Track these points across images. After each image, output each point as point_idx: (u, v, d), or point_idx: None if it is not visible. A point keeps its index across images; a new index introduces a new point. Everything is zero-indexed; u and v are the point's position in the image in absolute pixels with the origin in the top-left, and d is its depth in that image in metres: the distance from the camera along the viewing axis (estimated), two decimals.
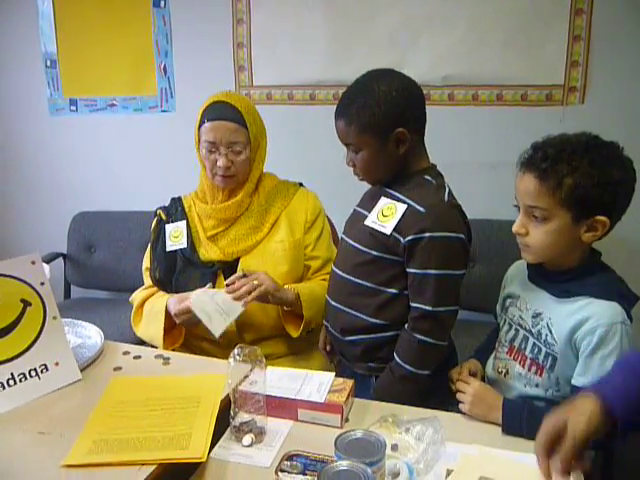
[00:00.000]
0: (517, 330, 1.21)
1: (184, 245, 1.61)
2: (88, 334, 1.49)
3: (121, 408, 1.17)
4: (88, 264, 2.76)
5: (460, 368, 1.29)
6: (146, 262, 1.69)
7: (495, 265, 2.23)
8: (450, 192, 1.31)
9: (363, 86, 1.28)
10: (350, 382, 1.24)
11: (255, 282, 1.49)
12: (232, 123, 1.53)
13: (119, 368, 1.33)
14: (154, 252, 1.66)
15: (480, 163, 2.37)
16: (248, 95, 2.54)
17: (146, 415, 1.14)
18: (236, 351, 1.13)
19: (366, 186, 1.45)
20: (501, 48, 2.26)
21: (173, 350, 1.55)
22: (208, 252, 1.60)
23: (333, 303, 1.43)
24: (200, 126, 1.56)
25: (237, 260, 1.60)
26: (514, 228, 1.14)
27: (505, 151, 2.39)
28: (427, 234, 1.24)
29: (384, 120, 1.26)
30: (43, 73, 2.74)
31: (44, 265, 1.28)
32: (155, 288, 1.66)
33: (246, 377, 1.20)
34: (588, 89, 2.22)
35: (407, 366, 1.29)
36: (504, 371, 1.22)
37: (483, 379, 1.30)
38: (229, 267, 1.60)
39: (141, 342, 1.61)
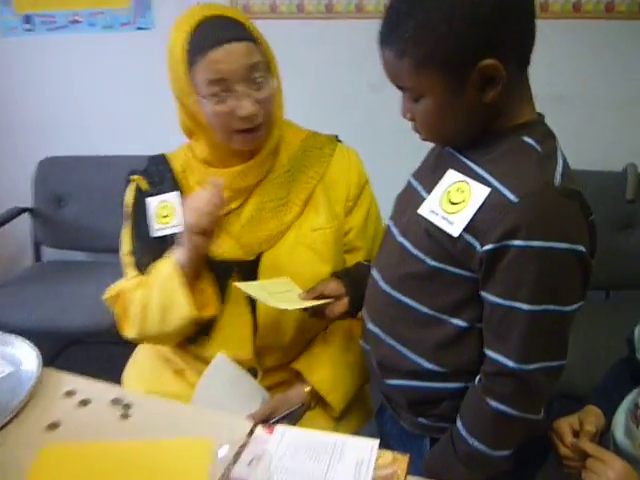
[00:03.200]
0: None
1: (179, 228, 1.09)
2: (19, 358, 1.05)
3: None
4: (59, 220, 2.34)
5: (577, 420, 0.90)
6: (126, 245, 1.18)
7: None
8: (566, 166, 0.81)
9: None
10: (404, 459, 0.81)
11: None
12: (244, 42, 1.01)
13: (55, 426, 0.90)
14: (136, 236, 1.17)
15: (546, 95, 1.85)
16: (246, 5, 2.03)
17: None
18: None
19: (413, 138, 0.93)
20: None
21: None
22: (218, 245, 1.10)
23: (369, 325, 0.96)
24: (191, 66, 1.01)
25: (259, 255, 1.12)
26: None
27: (578, 81, 1.94)
28: (518, 242, 0.75)
29: (460, 48, 0.73)
30: None
31: None
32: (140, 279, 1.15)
33: (243, 446, 0.83)
34: None
35: (475, 442, 0.84)
36: None
37: (601, 435, 0.91)
38: (247, 266, 1.12)
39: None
